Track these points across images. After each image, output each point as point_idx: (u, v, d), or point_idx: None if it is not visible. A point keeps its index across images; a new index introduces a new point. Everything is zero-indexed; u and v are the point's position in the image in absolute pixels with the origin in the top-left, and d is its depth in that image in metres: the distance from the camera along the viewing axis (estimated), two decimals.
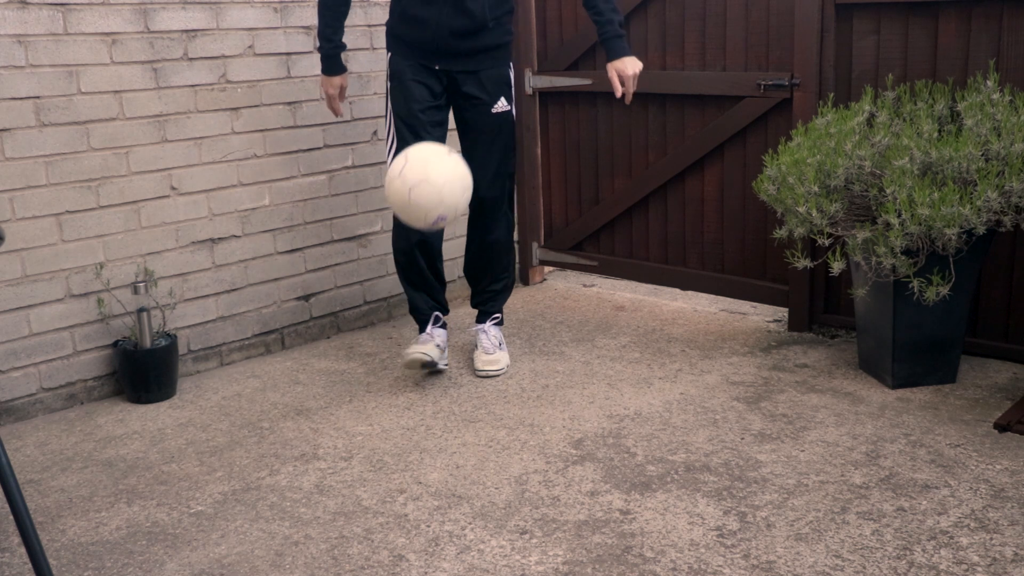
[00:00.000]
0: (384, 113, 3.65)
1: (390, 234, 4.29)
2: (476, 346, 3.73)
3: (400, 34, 3.46)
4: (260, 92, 3.81)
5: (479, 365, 3.63)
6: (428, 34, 3.39)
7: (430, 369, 3.60)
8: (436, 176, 2.95)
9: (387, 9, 4.15)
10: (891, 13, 3.60)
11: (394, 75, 3.48)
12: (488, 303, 3.78)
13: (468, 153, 3.53)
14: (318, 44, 3.60)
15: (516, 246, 4.83)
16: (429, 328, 3.65)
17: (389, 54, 3.52)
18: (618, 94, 3.48)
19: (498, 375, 3.61)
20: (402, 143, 3.37)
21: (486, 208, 3.59)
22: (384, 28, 3.66)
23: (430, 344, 3.56)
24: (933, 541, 2.40)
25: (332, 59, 3.58)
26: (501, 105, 3.50)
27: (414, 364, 3.51)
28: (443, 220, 3.01)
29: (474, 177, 3.14)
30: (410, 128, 3.42)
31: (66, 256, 3.41)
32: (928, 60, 3.54)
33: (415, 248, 3.52)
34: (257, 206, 3.87)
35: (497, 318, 3.79)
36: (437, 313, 3.69)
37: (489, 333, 3.72)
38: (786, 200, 3.34)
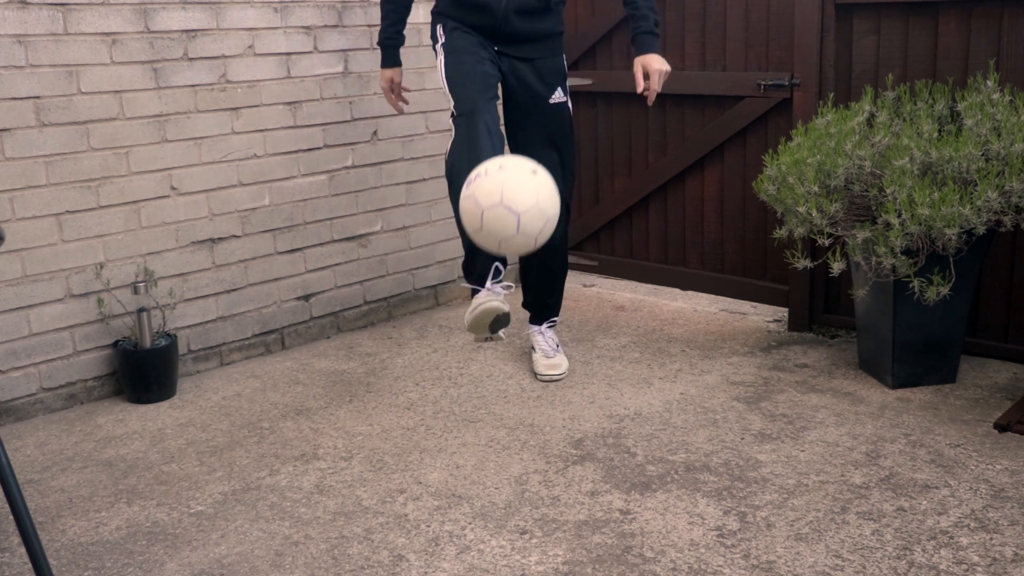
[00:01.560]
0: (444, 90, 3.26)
1: (390, 234, 4.30)
2: (534, 348, 3.67)
3: (454, 16, 3.28)
4: (260, 92, 3.81)
5: (541, 369, 3.57)
6: (487, 17, 3.22)
7: (496, 333, 3.12)
8: (514, 202, 2.54)
9: None
10: (891, 13, 3.60)
11: (453, 50, 3.21)
12: (546, 306, 3.68)
13: (522, 148, 3.31)
14: (377, 38, 3.63)
15: None
16: (489, 283, 3.15)
17: (442, 35, 3.28)
18: (640, 88, 3.25)
19: (560, 379, 3.55)
20: (467, 105, 3.08)
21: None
22: (381, 29, 3.64)
23: (497, 299, 3.07)
24: (933, 541, 2.40)
25: (386, 51, 3.57)
26: (558, 96, 3.37)
27: (486, 317, 3.01)
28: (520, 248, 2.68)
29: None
30: (476, 88, 3.11)
31: (66, 256, 3.41)
32: (928, 60, 3.55)
33: None
34: (257, 206, 3.87)
35: (554, 321, 3.72)
36: (498, 264, 3.16)
37: (546, 335, 3.66)
38: (786, 200, 3.34)
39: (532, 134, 3.40)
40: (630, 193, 4.51)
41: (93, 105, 3.40)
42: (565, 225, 3.41)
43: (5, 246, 3.26)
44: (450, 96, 3.21)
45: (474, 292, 3.20)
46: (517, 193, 2.55)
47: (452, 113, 3.19)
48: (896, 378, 3.33)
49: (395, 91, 3.66)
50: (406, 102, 3.75)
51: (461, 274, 3.52)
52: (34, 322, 3.36)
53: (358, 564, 2.41)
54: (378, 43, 3.63)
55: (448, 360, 3.81)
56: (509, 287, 3.19)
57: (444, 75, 3.25)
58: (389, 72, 3.63)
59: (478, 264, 3.17)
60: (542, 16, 3.31)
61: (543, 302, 3.69)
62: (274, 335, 4.00)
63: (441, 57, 3.29)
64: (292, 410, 3.39)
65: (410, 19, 4.20)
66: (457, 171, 3.00)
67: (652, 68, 3.23)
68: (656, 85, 3.26)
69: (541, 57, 3.36)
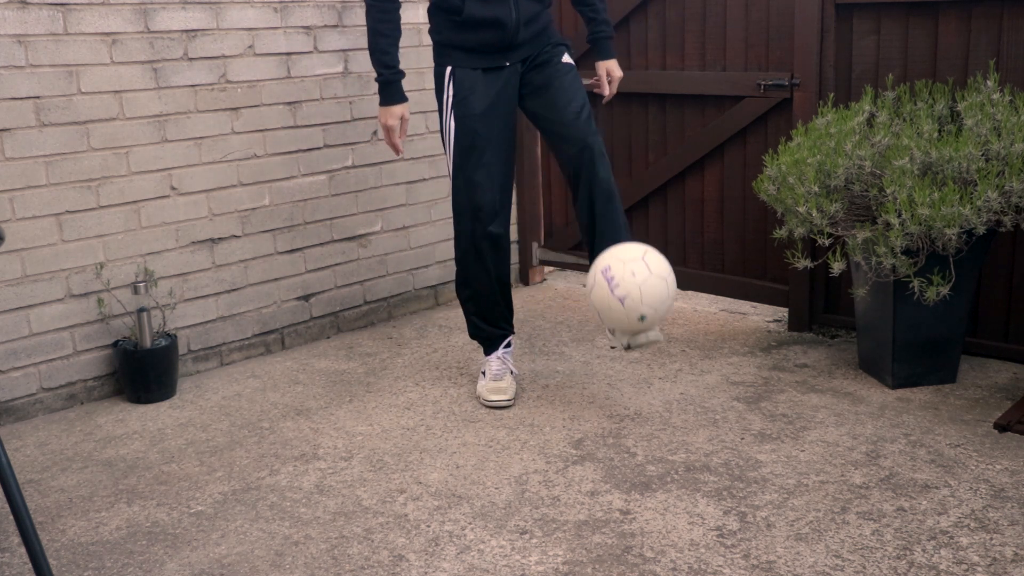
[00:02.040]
0: (442, 136, 3.28)
1: (390, 234, 4.30)
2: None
3: (460, 44, 3.19)
4: (260, 92, 3.81)
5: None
6: (499, 32, 3.15)
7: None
8: (643, 293, 2.89)
9: None
10: (891, 13, 3.60)
11: (459, 97, 3.21)
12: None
13: (550, 111, 3.24)
14: (376, 73, 3.21)
15: (516, 246, 4.84)
16: (500, 351, 3.42)
17: (450, 93, 3.21)
18: (606, 92, 3.51)
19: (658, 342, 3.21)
20: (469, 157, 3.21)
21: (596, 149, 3.19)
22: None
23: (508, 378, 3.38)
24: (933, 541, 2.40)
25: (392, 85, 3.20)
26: (567, 58, 3.30)
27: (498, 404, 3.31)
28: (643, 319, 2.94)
29: (568, 116, 3.19)
30: (481, 145, 3.21)
31: (66, 256, 3.41)
32: (928, 60, 3.55)
33: (496, 285, 3.36)
34: (257, 206, 3.87)
35: None
36: (511, 337, 3.48)
37: None
38: (786, 200, 3.34)
39: (555, 90, 3.25)
40: (630, 193, 4.51)
41: (93, 105, 3.40)
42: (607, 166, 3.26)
43: (5, 246, 3.26)
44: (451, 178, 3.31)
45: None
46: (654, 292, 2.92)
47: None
48: (896, 378, 3.33)
49: (403, 129, 3.28)
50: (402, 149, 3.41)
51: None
52: (34, 322, 3.36)
53: (358, 564, 2.41)
54: (380, 78, 3.21)
55: (448, 360, 3.81)
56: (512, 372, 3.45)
57: (452, 150, 3.26)
58: (399, 108, 3.23)
59: (491, 334, 3.43)
60: (541, 16, 3.32)
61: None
62: (274, 335, 4.00)
63: (451, 123, 3.23)
64: (292, 410, 3.39)
65: (410, 18, 4.22)
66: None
67: (615, 75, 3.50)
68: (615, 89, 3.54)
69: (546, 45, 3.32)
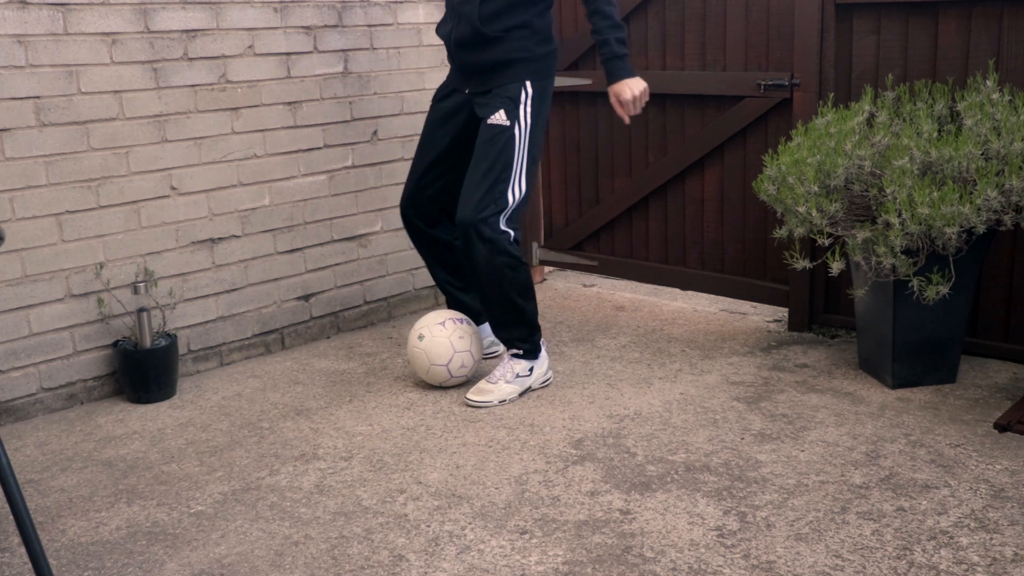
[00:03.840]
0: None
1: (390, 234, 4.30)
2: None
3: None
4: (260, 92, 3.81)
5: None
6: (449, 51, 3.41)
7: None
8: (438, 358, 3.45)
9: (388, 9, 4.16)
10: (891, 13, 3.60)
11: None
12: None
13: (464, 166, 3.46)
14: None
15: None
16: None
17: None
18: (623, 116, 3.38)
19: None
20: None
21: (473, 232, 3.27)
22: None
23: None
24: (933, 541, 2.40)
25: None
26: (497, 118, 3.26)
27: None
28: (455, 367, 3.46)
29: (464, 189, 3.31)
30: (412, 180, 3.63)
31: (66, 256, 3.41)
32: (928, 60, 3.55)
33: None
34: (257, 206, 3.87)
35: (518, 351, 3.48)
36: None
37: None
38: (786, 200, 3.34)
39: (473, 157, 3.33)
40: (630, 193, 4.51)
41: (93, 105, 3.40)
42: (493, 247, 3.26)
43: (5, 246, 3.26)
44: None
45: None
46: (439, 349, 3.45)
47: None
48: (896, 378, 3.33)
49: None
50: None
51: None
52: (34, 322, 3.36)
53: (358, 564, 2.41)
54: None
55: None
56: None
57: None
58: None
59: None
60: (483, 47, 3.27)
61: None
62: (274, 335, 4.00)
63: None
64: (292, 410, 3.39)
65: (410, 19, 4.22)
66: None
67: (623, 99, 3.32)
68: (632, 110, 3.35)
69: (498, 86, 3.30)
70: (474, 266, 3.30)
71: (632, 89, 3.31)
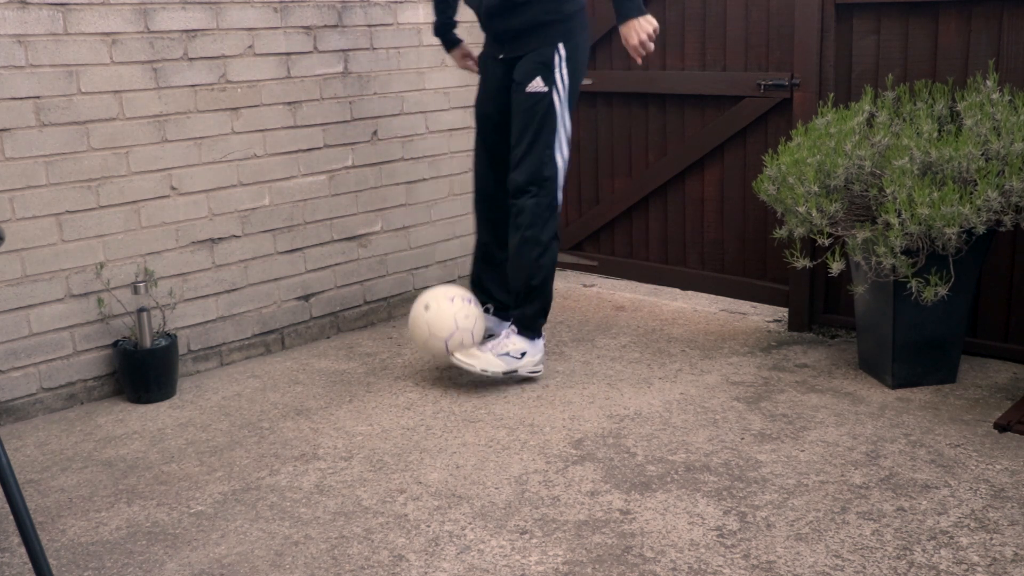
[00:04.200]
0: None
1: (390, 234, 4.30)
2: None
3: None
4: (260, 92, 3.81)
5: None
6: (480, 19, 3.52)
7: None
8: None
9: (388, 9, 4.16)
10: (891, 13, 3.60)
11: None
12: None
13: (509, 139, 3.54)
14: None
15: None
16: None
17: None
18: (635, 58, 3.35)
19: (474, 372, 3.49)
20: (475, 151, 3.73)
21: (516, 206, 3.46)
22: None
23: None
24: (933, 541, 2.40)
25: (442, 36, 3.81)
26: (536, 85, 3.35)
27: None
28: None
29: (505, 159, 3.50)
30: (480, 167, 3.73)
31: (66, 256, 3.41)
32: (928, 60, 3.55)
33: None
34: (257, 206, 3.87)
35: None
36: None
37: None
38: (786, 200, 3.34)
39: (514, 124, 3.44)
40: (630, 193, 4.51)
41: (93, 105, 3.40)
42: (534, 215, 3.42)
43: (5, 246, 3.26)
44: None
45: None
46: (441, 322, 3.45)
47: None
48: (896, 378, 3.33)
49: (471, 59, 3.82)
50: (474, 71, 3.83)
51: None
52: (34, 322, 3.36)
53: (358, 564, 2.41)
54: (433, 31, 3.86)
55: None
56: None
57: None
58: (456, 51, 3.84)
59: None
60: (516, 12, 3.34)
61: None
62: (274, 335, 4.00)
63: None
64: (292, 410, 3.39)
65: (410, 19, 4.22)
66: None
67: (629, 44, 3.30)
68: (643, 51, 3.31)
69: (530, 51, 3.38)
70: (516, 231, 3.44)
71: (639, 32, 3.27)
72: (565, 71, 3.37)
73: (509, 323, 3.58)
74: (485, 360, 3.45)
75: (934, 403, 3.22)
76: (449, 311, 3.44)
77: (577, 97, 3.47)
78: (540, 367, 3.55)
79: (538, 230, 3.42)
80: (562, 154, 3.42)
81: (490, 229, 3.74)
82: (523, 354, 3.49)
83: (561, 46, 3.36)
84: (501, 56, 3.48)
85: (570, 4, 3.37)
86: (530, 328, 3.50)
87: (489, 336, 3.73)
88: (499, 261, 3.73)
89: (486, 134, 3.64)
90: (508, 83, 3.47)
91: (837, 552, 2.37)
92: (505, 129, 3.54)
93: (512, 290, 3.54)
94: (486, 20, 3.48)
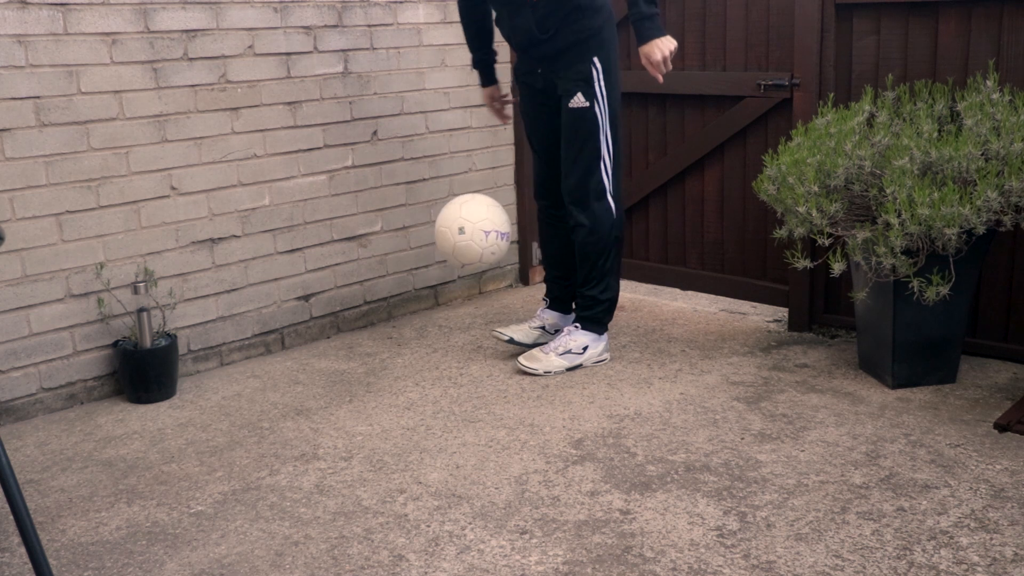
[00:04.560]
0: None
1: (390, 234, 4.30)
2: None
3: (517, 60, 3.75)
4: (260, 92, 3.81)
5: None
6: (512, 47, 3.70)
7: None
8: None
9: (388, 9, 4.16)
10: (891, 13, 3.60)
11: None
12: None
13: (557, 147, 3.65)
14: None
15: (516, 245, 4.83)
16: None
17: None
18: (654, 76, 3.45)
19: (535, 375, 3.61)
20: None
21: (574, 220, 3.60)
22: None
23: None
24: (933, 541, 2.40)
25: (478, 71, 3.89)
26: (578, 101, 3.47)
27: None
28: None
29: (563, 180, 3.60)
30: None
31: (66, 256, 3.41)
32: (928, 60, 3.55)
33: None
34: (257, 206, 3.87)
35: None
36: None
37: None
38: (786, 200, 3.34)
39: (563, 136, 3.56)
40: (630, 193, 4.51)
41: (93, 105, 3.40)
42: (594, 219, 3.56)
43: (5, 246, 3.26)
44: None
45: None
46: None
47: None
48: (896, 378, 3.33)
49: (502, 106, 3.93)
50: (508, 117, 4.00)
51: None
52: (34, 322, 3.36)
53: (358, 564, 2.41)
54: (472, 65, 3.92)
55: (448, 360, 3.81)
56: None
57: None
58: (488, 90, 3.91)
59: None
60: (549, 40, 3.45)
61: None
62: (274, 335, 4.00)
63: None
64: (292, 410, 3.39)
65: (410, 19, 4.22)
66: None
67: (653, 60, 3.38)
68: (663, 69, 3.41)
69: (568, 68, 3.49)
70: (577, 239, 3.59)
71: (662, 49, 3.37)
72: (604, 83, 3.48)
73: (572, 320, 3.75)
74: (547, 362, 3.59)
75: (934, 403, 3.22)
76: (479, 244, 3.53)
77: (619, 106, 3.58)
78: (606, 354, 3.68)
79: (601, 235, 3.57)
80: (611, 160, 3.54)
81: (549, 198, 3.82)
82: (585, 348, 3.62)
83: (596, 60, 3.47)
84: (540, 71, 3.58)
85: (597, 17, 3.44)
86: (591, 318, 3.66)
87: (554, 331, 3.83)
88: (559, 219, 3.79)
89: (549, 152, 3.72)
90: (549, 92, 3.58)
91: (837, 552, 2.37)
92: (557, 137, 3.64)
93: (577, 290, 3.70)
94: (520, 51, 3.61)
